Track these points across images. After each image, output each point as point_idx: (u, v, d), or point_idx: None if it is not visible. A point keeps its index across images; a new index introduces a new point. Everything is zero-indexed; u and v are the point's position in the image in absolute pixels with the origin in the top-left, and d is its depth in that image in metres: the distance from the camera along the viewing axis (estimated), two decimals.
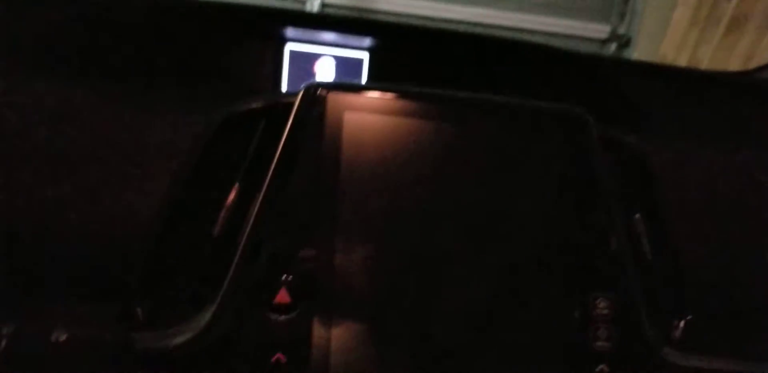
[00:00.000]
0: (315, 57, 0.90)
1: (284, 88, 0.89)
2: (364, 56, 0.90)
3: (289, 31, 0.87)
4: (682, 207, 0.68)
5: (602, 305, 0.57)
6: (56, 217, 0.59)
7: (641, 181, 0.64)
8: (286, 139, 0.54)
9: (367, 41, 0.89)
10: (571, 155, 0.59)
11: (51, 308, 0.56)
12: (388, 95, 0.57)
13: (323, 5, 2.16)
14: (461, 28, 2.33)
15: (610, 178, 0.59)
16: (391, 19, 2.25)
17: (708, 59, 2.33)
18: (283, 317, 0.51)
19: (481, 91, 0.61)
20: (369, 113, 0.55)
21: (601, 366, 0.56)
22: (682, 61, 2.38)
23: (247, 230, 0.53)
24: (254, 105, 0.58)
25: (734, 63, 2.23)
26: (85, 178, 0.60)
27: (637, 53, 2.45)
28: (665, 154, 0.79)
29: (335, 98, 0.55)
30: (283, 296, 0.52)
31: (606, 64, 0.99)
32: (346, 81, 0.57)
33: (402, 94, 0.57)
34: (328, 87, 0.55)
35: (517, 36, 2.33)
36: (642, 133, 0.83)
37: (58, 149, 0.62)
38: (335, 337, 0.51)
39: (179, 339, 0.52)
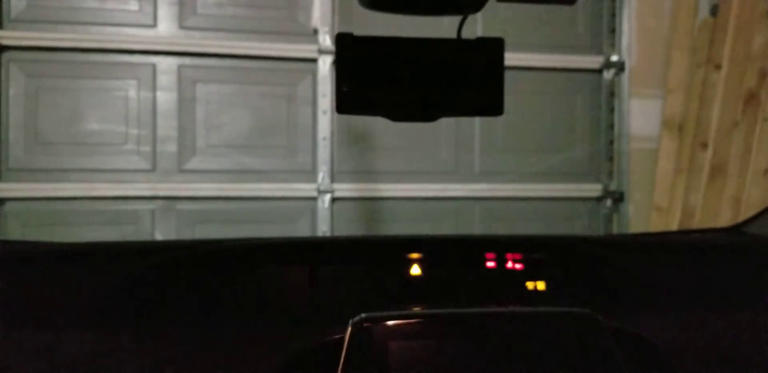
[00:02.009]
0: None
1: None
2: None
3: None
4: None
5: None
6: None
7: (655, 367, 0.71)
8: (342, 370, 0.62)
9: None
10: (586, 351, 0.66)
11: None
12: (422, 320, 0.66)
13: (333, 200, 2.35)
14: (463, 203, 2.50)
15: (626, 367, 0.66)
16: (395, 204, 2.43)
17: (700, 205, 2.46)
18: None
19: None
20: (410, 340, 0.64)
21: None
22: (676, 209, 2.51)
23: None
24: (312, 342, 0.68)
25: (725, 208, 2.36)
26: None
27: (633, 205, 2.60)
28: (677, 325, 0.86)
29: (379, 329, 0.64)
30: None
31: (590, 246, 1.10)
32: (386, 313, 0.67)
33: (432, 318, 0.67)
34: (372, 320, 0.65)
35: (517, 205, 2.50)
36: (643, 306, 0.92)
37: None
38: None
39: None
